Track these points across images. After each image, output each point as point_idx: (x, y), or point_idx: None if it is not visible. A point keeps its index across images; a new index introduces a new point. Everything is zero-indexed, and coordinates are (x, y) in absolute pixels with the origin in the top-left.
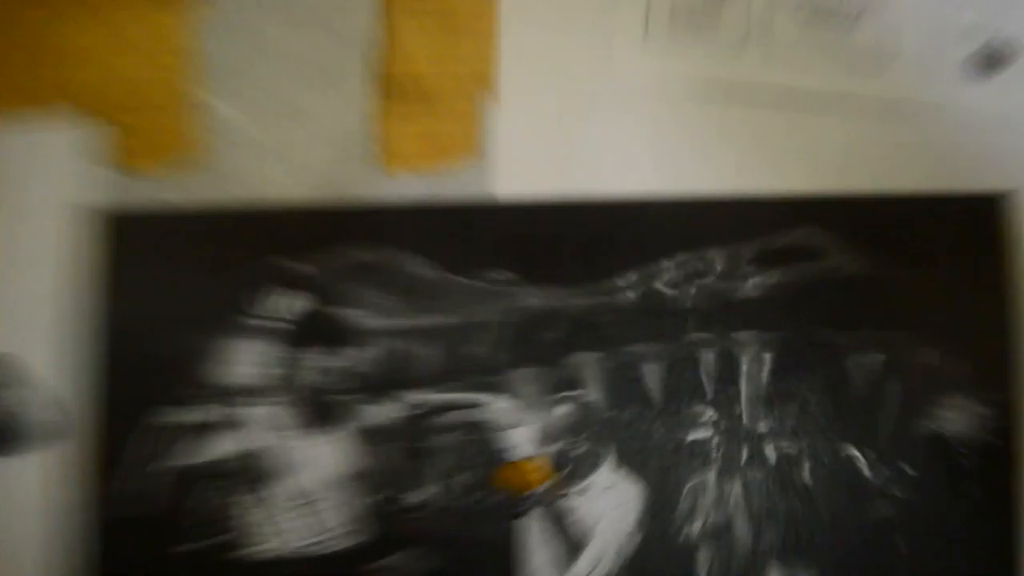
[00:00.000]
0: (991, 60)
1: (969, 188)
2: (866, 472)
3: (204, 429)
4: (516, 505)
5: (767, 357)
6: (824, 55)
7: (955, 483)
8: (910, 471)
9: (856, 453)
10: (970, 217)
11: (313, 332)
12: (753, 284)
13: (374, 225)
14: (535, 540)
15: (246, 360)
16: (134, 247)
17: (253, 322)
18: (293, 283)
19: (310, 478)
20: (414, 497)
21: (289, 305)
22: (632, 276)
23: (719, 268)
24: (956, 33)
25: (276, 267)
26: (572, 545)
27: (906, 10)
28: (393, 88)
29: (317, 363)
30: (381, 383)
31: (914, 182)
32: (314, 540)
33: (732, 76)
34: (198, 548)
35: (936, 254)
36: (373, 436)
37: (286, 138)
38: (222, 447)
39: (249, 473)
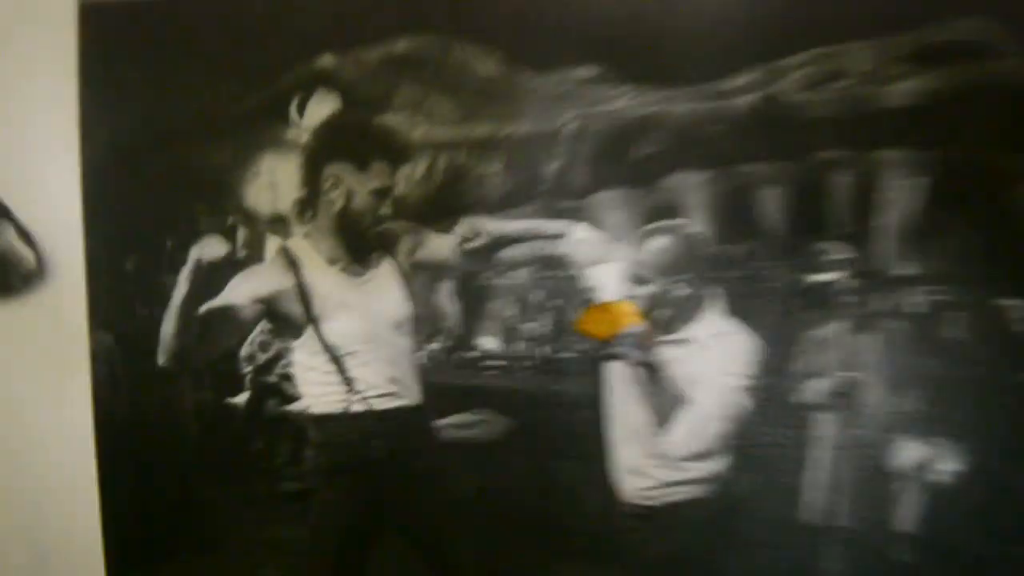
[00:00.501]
0: None
1: None
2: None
3: (227, 264)
4: (602, 354)
5: (916, 183)
6: None
7: None
8: None
9: (1017, 305)
10: None
11: (344, 144)
12: (903, 90)
13: (418, 6)
14: (627, 398)
15: (266, 180)
16: (126, 44)
17: (267, 132)
18: (316, 82)
19: (355, 322)
20: (479, 347)
21: (312, 110)
22: (750, 76)
23: (859, 68)
24: None
25: (293, 63)
26: (670, 404)
27: None
28: None
29: (352, 183)
30: (431, 208)
31: None
32: (365, 394)
33: None
34: (247, 401)
35: None
36: (425, 273)
37: None
38: (251, 286)
39: (285, 317)
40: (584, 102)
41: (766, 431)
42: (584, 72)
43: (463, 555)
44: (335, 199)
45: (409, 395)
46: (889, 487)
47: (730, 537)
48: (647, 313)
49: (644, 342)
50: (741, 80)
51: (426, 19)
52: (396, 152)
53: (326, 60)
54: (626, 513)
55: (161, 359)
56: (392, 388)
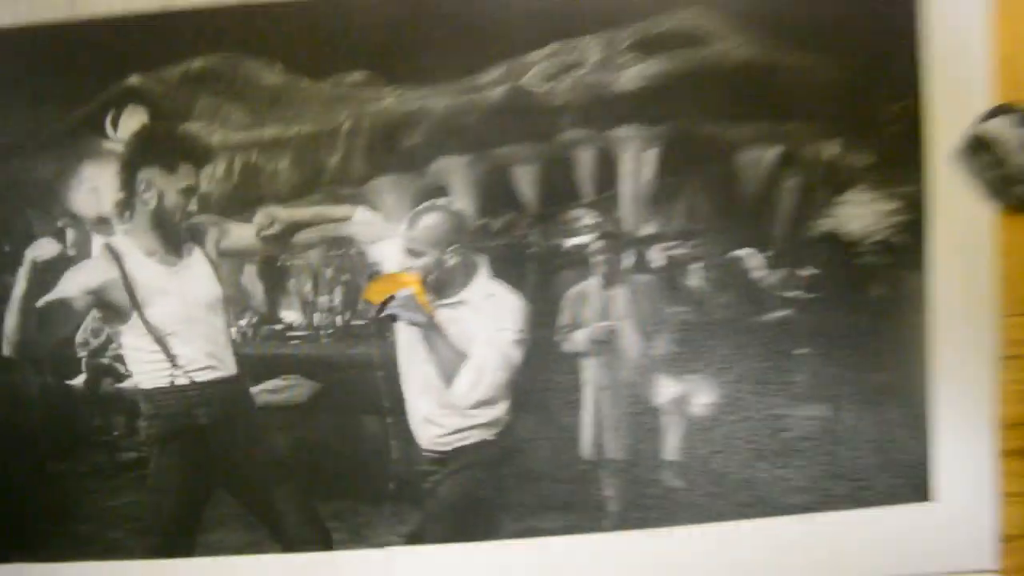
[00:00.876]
0: None
1: None
2: (761, 274)
3: (58, 262)
4: (384, 318)
5: (650, 155)
6: None
7: (858, 283)
8: (809, 271)
9: (750, 255)
10: None
11: (154, 151)
12: (632, 75)
13: (209, 28)
14: (415, 357)
15: (89, 186)
16: None
17: (87, 144)
18: (125, 99)
19: (174, 306)
20: (283, 321)
21: (124, 123)
22: (498, 72)
23: (593, 59)
24: None
25: (105, 83)
26: (453, 359)
27: None
28: None
29: (162, 185)
30: (232, 202)
31: None
32: (187, 368)
33: None
34: (84, 382)
35: (841, 36)
36: (231, 259)
37: None
38: (81, 280)
39: (113, 305)
40: (356, 102)
41: (541, 378)
42: (355, 77)
43: (285, 504)
44: (149, 199)
45: (226, 367)
46: (653, 421)
47: (516, 473)
48: (424, 281)
49: (418, 305)
50: (491, 75)
51: (217, 39)
52: (199, 155)
53: (134, 79)
54: (424, 458)
55: (6, 350)
56: (211, 362)
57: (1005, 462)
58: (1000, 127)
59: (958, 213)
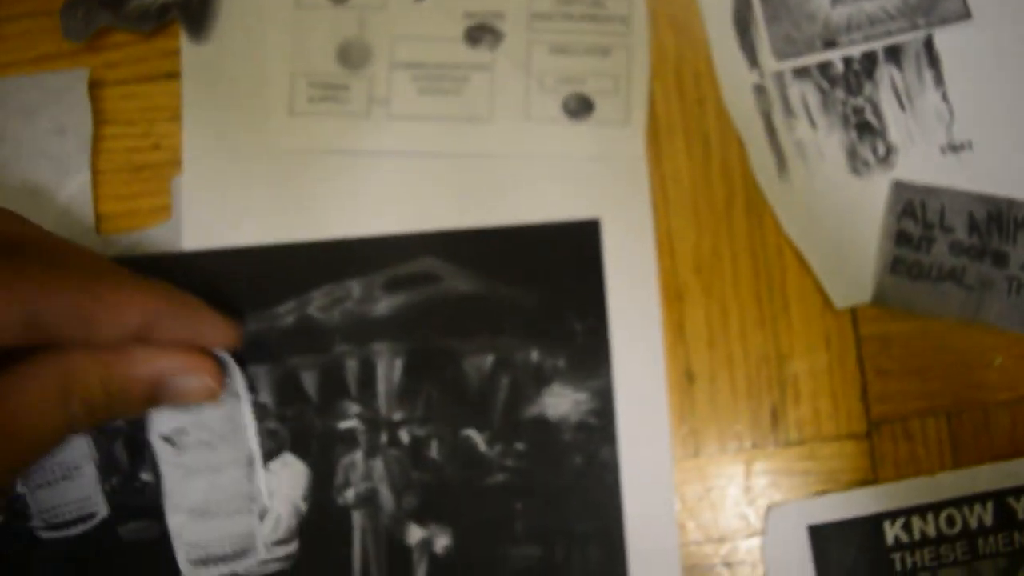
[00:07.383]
0: (576, 111)
1: (559, 219)
2: (483, 448)
3: None
4: None
5: (398, 362)
6: (434, 118)
7: (559, 454)
8: (520, 446)
9: (474, 434)
10: (563, 242)
11: None
12: (385, 305)
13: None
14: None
15: None
16: None
17: None
18: None
19: None
20: (141, 479)
21: None
22: (290, 304)
23: (357, 294)
24: (542, 90)
25: None
26: (261, 511)
27: (500, 77)
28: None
29: None
30: None
31: (514, 216)
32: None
33: (359, 141)
34: None
35: (534, 273)
36: (106, 436)
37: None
38: None
39: None
40: None
41: (322, 524)
42: None
43: None
44: None
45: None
46: (406, 557)
47: None
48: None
49: None
50: (285, 307)
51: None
52: None
53: None
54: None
55: None
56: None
57: None
58: None
59: (637, 400)
